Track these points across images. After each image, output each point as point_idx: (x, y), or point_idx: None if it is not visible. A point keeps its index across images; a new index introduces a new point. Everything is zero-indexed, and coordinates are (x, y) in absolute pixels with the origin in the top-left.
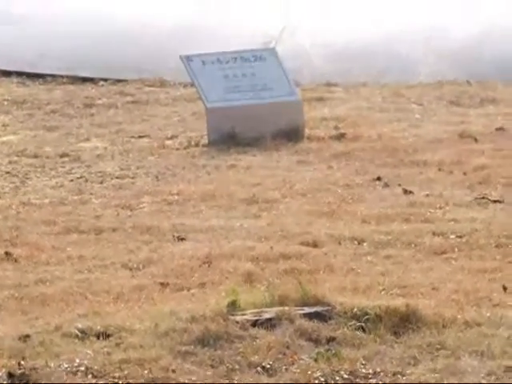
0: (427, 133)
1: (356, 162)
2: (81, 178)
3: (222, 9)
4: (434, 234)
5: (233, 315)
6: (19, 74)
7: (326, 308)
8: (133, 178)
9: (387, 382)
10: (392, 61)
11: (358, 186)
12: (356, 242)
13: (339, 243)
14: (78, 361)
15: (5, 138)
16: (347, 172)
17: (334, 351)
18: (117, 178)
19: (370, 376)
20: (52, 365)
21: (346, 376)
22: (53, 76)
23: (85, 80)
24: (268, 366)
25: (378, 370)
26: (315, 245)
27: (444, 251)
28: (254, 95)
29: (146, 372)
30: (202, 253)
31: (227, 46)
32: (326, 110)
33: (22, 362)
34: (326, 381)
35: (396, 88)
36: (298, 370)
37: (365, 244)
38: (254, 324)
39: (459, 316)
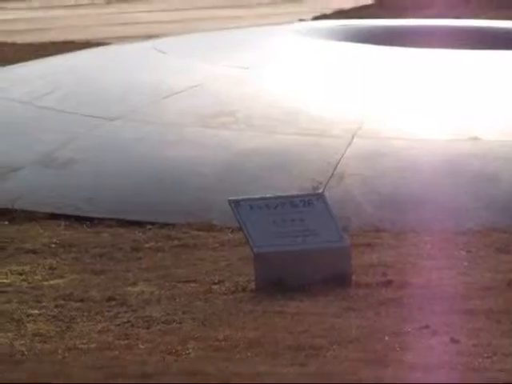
0: (475, 281)
1: (404, 309)
2: (127, 322)
3: (270, 154)
4: None
5: None
6: (67, 217)
7: None
8: (179, 323)
9: None
10: (441, 207)
11: (406, 333)
12: None
13: None
14: None
15: (52, 282)
16: (395, 319)
17: None
18: (163, 322)
19: None
20: None
21: None
22: (100, 219)
23: (132, 223)
24: None
25: None
26: None
27: None
28: (302, 241)
29: None
30: None
31: (275, 190)
32: (374, 257)
33: None
34: None
35: (444, 235)
36: None
37: None
38: None
39: None
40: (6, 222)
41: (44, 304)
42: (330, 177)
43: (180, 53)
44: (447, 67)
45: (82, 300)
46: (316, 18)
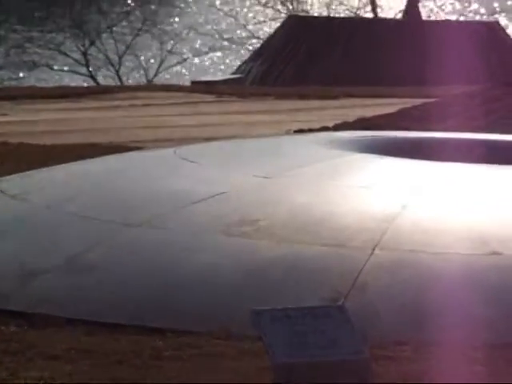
0: None
1: None
2: None
3: (290, 263)
4: None
5: None
6: (87, 322)
7: None
8: None
9: None
10: (461, 320)
11: None
12: None
13: None
14: None
15: None
16: None
17: None
18: None
19: None
20: None
21: None
22: (120, 325)
23: (152, 330)
24: None
25: None
26: None
27: None
28: (322, 353)
29: None
30: None
31: (296, 300)
32: (393, 369)
33: None
34: None
35: (463, 349)
36: None
37: None
38: None
39: None
40: (26, 327)
41: None
42: (351, 288)
43: (202, 160)
44: (466, 181)
45: None
46: (337, 126)
